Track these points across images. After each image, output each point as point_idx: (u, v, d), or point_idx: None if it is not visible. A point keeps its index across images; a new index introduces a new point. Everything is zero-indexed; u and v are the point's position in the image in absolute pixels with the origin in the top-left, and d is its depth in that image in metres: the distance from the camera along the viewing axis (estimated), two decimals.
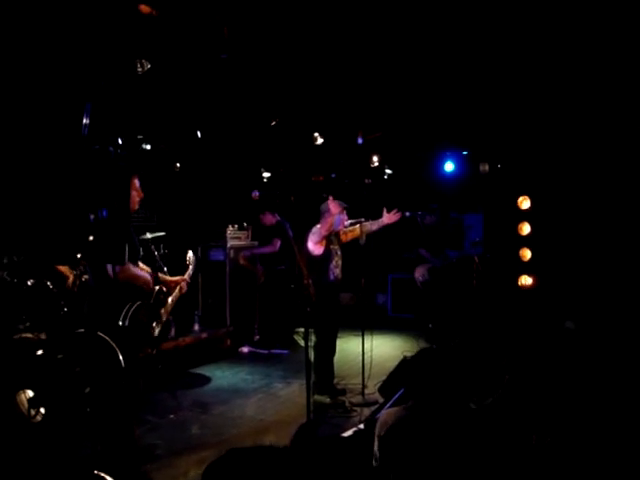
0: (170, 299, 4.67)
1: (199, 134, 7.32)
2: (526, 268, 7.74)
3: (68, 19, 4.41)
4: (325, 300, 5.71)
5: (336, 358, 6.09)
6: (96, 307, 4.05)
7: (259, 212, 8.36)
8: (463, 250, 9.03)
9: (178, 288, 4.78)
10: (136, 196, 4.41)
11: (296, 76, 6.17)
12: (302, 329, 7.16)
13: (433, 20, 5.12)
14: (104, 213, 3.91)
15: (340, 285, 6.08)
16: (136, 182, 4.41)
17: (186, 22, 4.82)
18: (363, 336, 5.96)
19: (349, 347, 7.58)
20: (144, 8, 4.40)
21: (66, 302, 5.44)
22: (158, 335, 4.45)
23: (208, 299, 8.66)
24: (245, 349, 8.27)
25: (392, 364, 5.76)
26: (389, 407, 4.34)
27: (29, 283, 5.45)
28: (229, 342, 8.26)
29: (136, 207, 4.45)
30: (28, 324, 5.18)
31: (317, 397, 5.64)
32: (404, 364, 5.36)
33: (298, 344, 8.35)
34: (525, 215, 7.81)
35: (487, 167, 9.03)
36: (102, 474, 3.48)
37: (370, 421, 4.58)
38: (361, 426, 4.85)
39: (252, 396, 6.14)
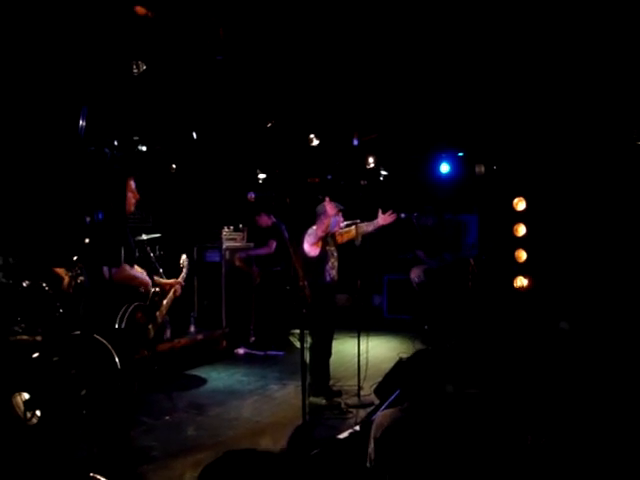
0: (165, 302, 4.67)
1: (195, 135, 7.31)
2: (521, 269, 7.76)
3: (64, 21, 4.41)
4: (321, 301, 5.72)
5: (332, 360, 6.09)
6: (92, 309, 4.05)
7: (255, 213, 8.36)
8: (461, 252, 9.05)
9: (172, 291, 4.78)
10: (132, 198, 4.41)
11: (292, 78, 6.18)
12: (298, 330, 7.16)
13: (429, 22, 5.13)
14: (100, 215, 3.91)
15: (336, 286, 6.08)
16: (132, 183, 4.42)
17: (182, 23, 4.83)
18: (359, 337, 5.96)
19: (345, 348, 7.58)
20: (140, 10, 4.40)
21: (62, 304, 5.44)
22: (153, 337, 4.45)
23: (204, 300, 8.65)
24: (241, 350, 8.27)
25: (388, 365, 5.76)
26: (385, 409, 4.34)
27: (24, 284, 5.45)
28: (225, 343, 8.25)
29: (132, 209, 4.46)
30: (24, 326, 5.17)
31: (313, 399, 5.64)
32: (400, 365, 5.37)
33: (294, 346, 8.35)
34: (521, 216, 7.84)
35: (483, 169, 9.04)
36: (98, 476, 3.48)
37: (366, 423, 4.58)
38: (357, 428, 4.85)
39: (248, 398, 6.14)
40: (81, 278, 5.44)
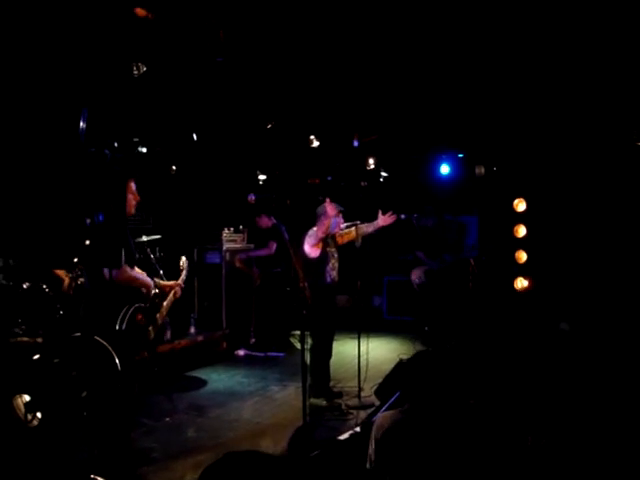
0: (165, 303, 4.67)
1: (195, 137, 7.32)
2: (522, 270, 7.76)
3: (64, 23, 4.41)
4: (321, 303, 5.72)
5: (332, 361, 6.09)
6: (92, 310, 4.05)
7: (255, 215, 8.36)
8: (462, 253, 9.04)
9: (172, 293, 4.77)
10: (132, 199, 4.40)
11: (292, 79, 6.18)
12: (298, 332, 7.16)
13: (429, 23, 5.14)
14: (100, 217, 3.91)
15: (336, 287, 6.08)
16: (132, 185, 4.41)
17: (182, 25, 4.83)
18: (359, 339, 5.96)
19: (345, 350, 7.57)
20: (140, 11, 4.41)
21: (62, 305, 5.44)
22: (154, 338, 4.45)
23: (204, 302, 8.65)
24: (241, 352, 8.26)
25: (388, 367, 5.76)
26: (385, 410, 4.34)
27: (25, 286, 5.45)
28: (225, 345, 8.25)
29: (132, 211, 4.45)
30: (24, 327, 5.17)
31: (313, 400, 5.64)
32: (400, 367, 5.37)
33: (294, 347, 8.34)
34: (521, 217, 7.83)
35: (483, 170, 9.04)
36: (98, 478, 3.48)
37: (366, 424, 4.58)
38: (357, 429, 4.85)
39: (248, 399, 6.14)
40: (81, 280, 5.46)
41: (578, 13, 4.95)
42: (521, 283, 7.73)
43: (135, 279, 4.21)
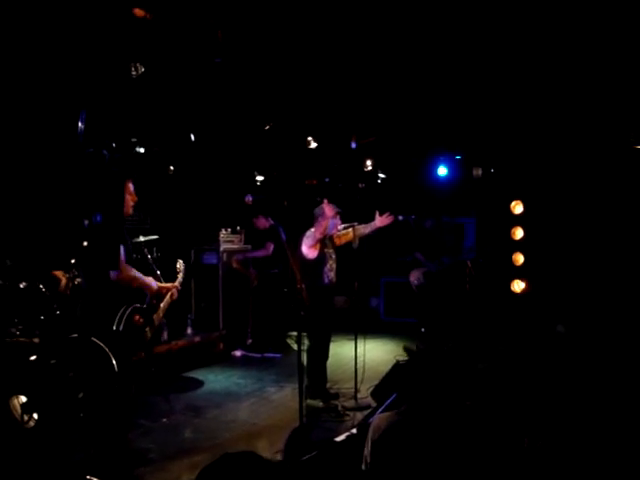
0: (162, 304, 4.66)
1: (193, 137, 7.31)
2: (519, 273, 7.77)
3: (62, 23, 4.41)
4: (319, 304, 5.72)
5: (329, 362, 6.09)
6: (89, 311, 4.04)
7: (252, 216, 8.36)
8: (461, 255, 9.06)
9: (169, 295, 4.76)
10: (130, 200, 4.40)
11: (290, 80, 6.18)
12: (295, 333, 7.17)
13: (427, 25, 5.14)
14: (98, 217, 3.91)
15: (334, 289, 6.09)
16: (130, 186, 4.41)
17: (180, 26, 4.82)
18: (356, 340, 5.97)
19: (342, 351, 7.58)
20: (138, 12, 4.40)
21: (59, 306, 5.43)
22: (150, 339, 4.44)
23: (201, 303, 8.65)
24: (238, 353, 8.26)
25: (385, 368, 5.77)
26: (382, 411, 4.35)
27: (22, 286, 5.43)
28: (222, 346, 8.25)
29: (130, 211, 4.45)
30: (21, 328, 5.16)
31: (310, 401, 5.64)
32: (397, 368, 5.38)
33: (291, 348, 8.35)
34: (518, 220, 7.84)
35: (480, 171, 9.07)
36: (95, 479, 3.48)
37: (363, 425, 4.59)
38: (354, 430, 4.85)
39: (245, 400, 6.14)
40: (78, 279, 5.46)
41: (575, 15, 4.96)
42: (518, 285, 7.74)
43: (135, 279, 4.21)
